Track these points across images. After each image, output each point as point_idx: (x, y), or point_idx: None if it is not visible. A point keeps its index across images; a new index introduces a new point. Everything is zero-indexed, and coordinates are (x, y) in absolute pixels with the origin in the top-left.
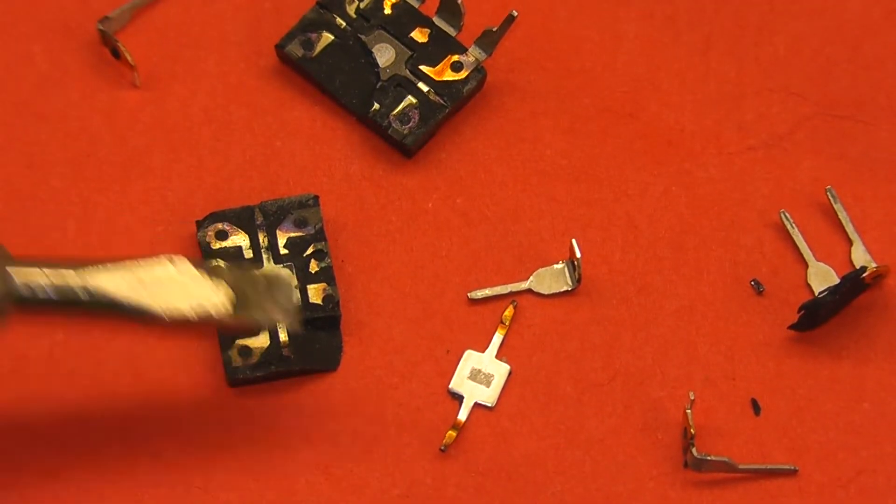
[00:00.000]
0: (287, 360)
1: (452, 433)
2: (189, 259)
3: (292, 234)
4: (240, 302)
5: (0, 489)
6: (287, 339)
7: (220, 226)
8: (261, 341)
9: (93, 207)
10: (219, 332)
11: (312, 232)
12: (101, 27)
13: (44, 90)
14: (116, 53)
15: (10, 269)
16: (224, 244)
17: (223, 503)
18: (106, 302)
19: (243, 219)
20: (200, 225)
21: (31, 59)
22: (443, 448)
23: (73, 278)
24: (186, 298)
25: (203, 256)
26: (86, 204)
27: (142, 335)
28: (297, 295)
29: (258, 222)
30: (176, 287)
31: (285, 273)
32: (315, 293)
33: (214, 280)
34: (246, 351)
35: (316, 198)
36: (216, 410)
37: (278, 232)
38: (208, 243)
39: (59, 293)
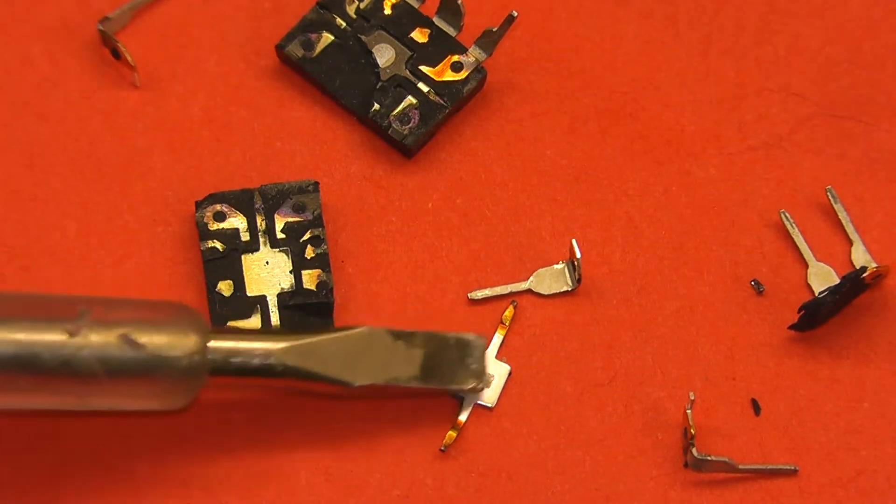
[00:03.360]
0: None
1: (453, 433)
2: (385, 329)
3: (290, 219)
4: (430, 368)
5: (0, 489)
6: (279, 323)
7: (218, 207)
8: (252, 324)
9: (93, 207)
10: (212, 318)
11: (311, 218)
12: (101, 27)
13: (44, 90)
14: (116, 54)
15: (211, 343)
16: (222, 226)
17: (223, 503)
18: (298, 371)
19: (242, 201)
20: (199, 205)
21: (31, 59)
22: (443, 448)
23: (266, 348)
24: (378, 366)
25: (200, 237)
26: (86, 204)
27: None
28: (486, 359)
29: (257, 206)
30: (369, 355)
31: (474, 337)
32: (309, 279)
33: (408, 347)
34: None
35: (316, 184)
36: (217, 410)
37: (276, 216)
38: (206, 224)
39: (253, 364)
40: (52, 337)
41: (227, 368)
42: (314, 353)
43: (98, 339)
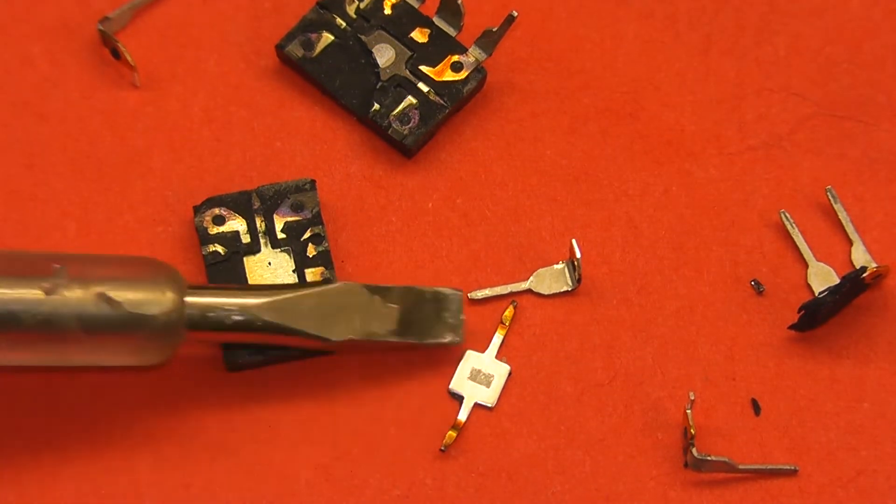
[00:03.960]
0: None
1: (452, 433)
2: (361, 284)
3: (290, 219)
4: (408, 323)
5: (0, 489)
6: None
7: (217, 210)
8: None
9: (93, 207)
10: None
11: (310, 216)
12: (101, 27)
13: (44, 90)
14: (116, 53)
15: (188, 298)
16: (221, 229)
17: (223, 503)
18: (275, 326)
19: (240, 203)
20: (198, 210)
21: (31, 59)
22: (443, 448)
23: (243, 304)
24: (355, 321)
25: (201, 242)
26: (86, 204)
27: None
28: (462, 313)
29: (255, 207)
30: (346, 310)
31: (451, 291)
32: (313, 277)
33: (385, 301)
34: None
35: (312, 182)
36: (217, 410)
37: (276, 216)
38: (206, 228)
39: (231, 319)
40: (28, 295)
41: (205, 324)
42: (292, 309)
43: (75, 297)
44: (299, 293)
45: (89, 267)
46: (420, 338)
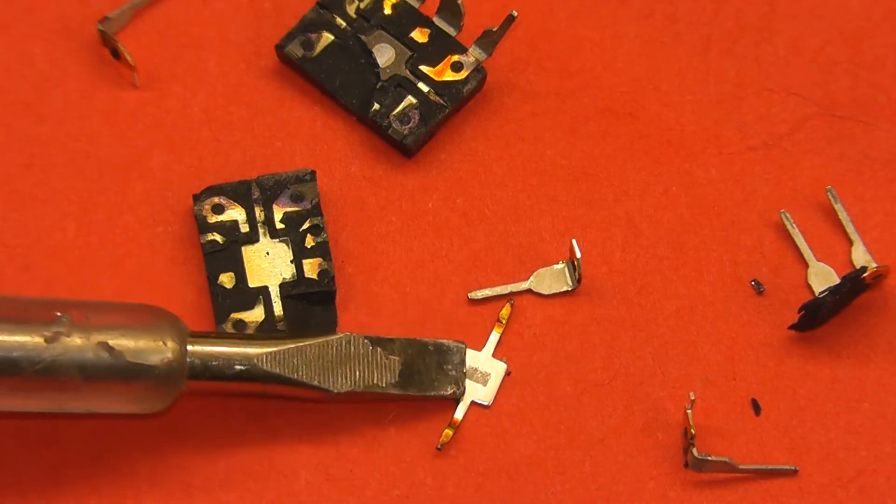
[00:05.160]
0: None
1: (449, 432)
2: (363, 336)
3: (289, 209)
4: (409, 375)
5: (0, 489)
6: (282, 313)
7: (216, 199)
8: (256, 315)
9: (93, 207)
10: (215, 310)
11: (309, 207)
12: (101, 27)
13: (44, 90)
14: (116, 53)
15: (189, 347)
16: (220, 218)
17: (223, 503)
18: (276, 377)
19: (240, 193)
20: (197, 199)
21: (31, 59)
22: (439, 447)
23: (244, 354)
24: (356, 372)
25: (199, 230)
26: (86, 204)
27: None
28: (467, 363)
29: (255, 197)
30: (348, 360)
31: (453, 344)
32: (310, 268)
33: (386, 354)
34: (241, 325)
35: (313, 172)
36: (216, 409)
37: (275, 206)
38: (205, 217)
39: (232, 370)
40: (29, 342)
41: (206, 374)
42: (293, 360)
43: (76, 345)
44: (301, 344)
45: (91, 314)
46: (421, 390)
